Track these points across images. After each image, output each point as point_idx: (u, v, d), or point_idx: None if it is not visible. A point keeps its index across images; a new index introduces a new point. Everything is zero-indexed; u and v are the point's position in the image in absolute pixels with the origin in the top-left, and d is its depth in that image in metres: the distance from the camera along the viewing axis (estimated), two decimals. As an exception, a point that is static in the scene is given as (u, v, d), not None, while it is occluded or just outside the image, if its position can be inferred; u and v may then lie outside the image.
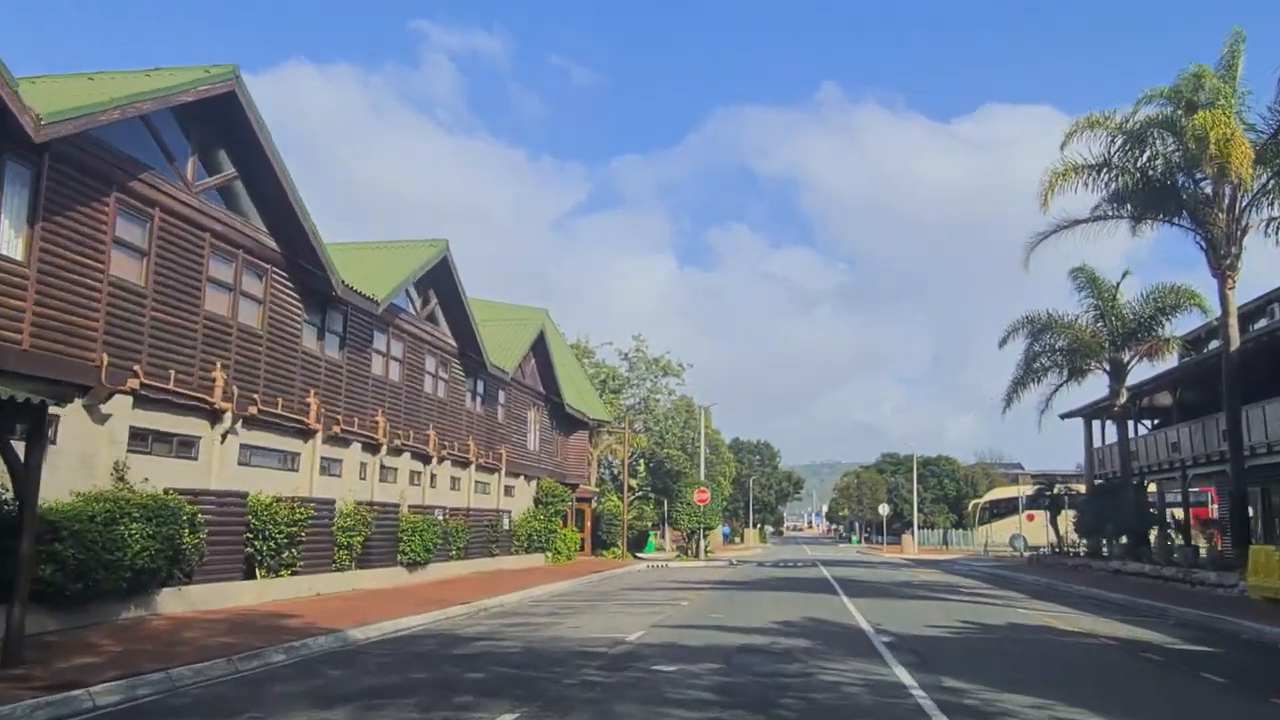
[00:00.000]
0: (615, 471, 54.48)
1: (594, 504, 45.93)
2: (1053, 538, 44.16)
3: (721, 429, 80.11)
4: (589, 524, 44.54)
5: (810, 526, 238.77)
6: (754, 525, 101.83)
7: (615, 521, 44.41)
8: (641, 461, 53.65)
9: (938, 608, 19.20)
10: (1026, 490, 56.82)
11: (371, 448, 22.68)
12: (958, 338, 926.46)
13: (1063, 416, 42.31)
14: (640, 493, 51.94)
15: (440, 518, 25.11)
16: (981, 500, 68.58)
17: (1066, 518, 42.64)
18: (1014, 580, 30.74)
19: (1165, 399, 38.12)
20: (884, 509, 67.32)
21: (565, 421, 41.36)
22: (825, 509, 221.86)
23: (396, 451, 24.13)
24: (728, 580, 28.46)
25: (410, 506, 24.30)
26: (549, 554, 35.94)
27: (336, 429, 20.66)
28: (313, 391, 19.66)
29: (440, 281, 26.56)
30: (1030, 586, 27.67)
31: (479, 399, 30.67)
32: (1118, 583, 27.37)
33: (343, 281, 19.85)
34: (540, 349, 36.49)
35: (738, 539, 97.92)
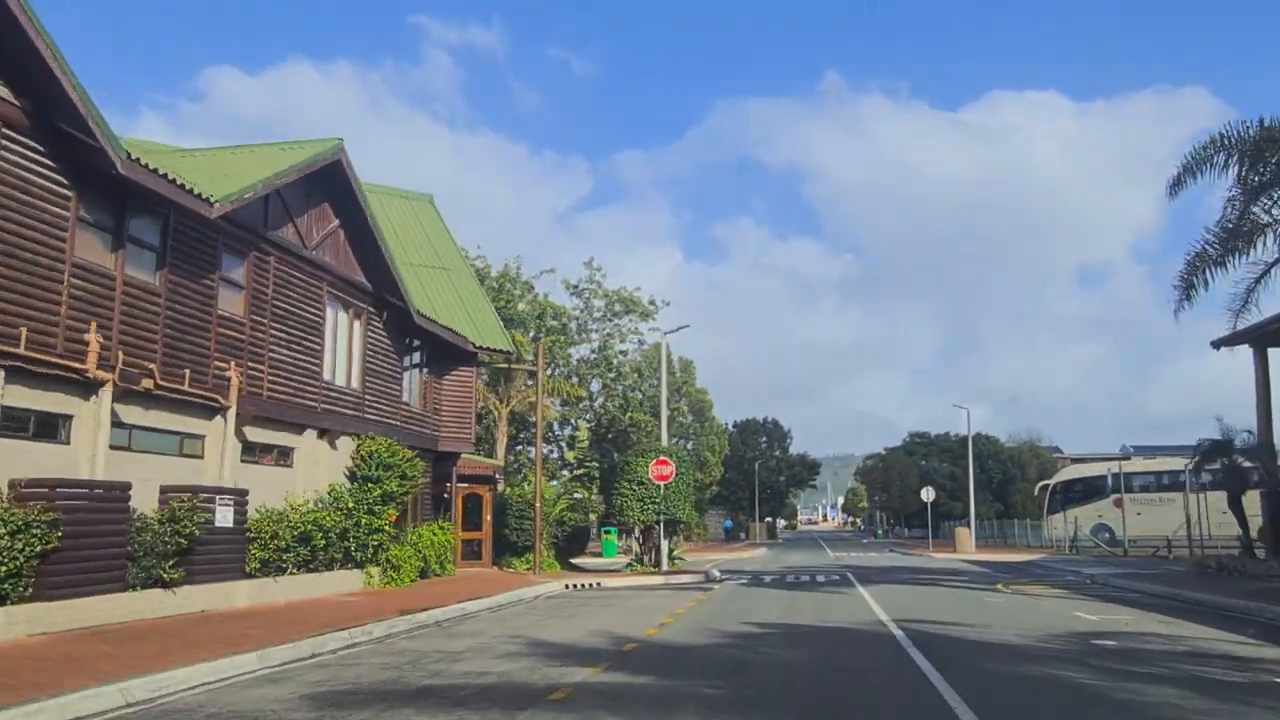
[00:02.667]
0: (555, 440, 38.30)
1: (500, 487, 29.99)
2: (1181, 527, 28.47)
3: (725, 421, 64.27)
4: (489, 517, 28.58)
5: (825, 520, 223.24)
6: (760, 518, 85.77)
7: (530, 514, 28.28)
8: (583, 425, 36.92)
9: None
10: (1163, 465, 40.65)
11: None
12: (966, 327, 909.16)
13: (1216, 344, 27.11)
14: (583, 470, 35.56)
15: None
16: (1053, 481, 52.11)
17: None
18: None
19: None
20: (928, 494, 50.74)
21: (436, 352, 25.41)
22: (841, 501, 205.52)
23: None
24: (656, 642, 12.37)
25: None
26: (378, 571, 20.08)
27: None
28: None
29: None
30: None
31: (147, 253, 14.68)
32: None
33: None
34: (345, 203, 20.37)
35: (743, 534, 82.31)
